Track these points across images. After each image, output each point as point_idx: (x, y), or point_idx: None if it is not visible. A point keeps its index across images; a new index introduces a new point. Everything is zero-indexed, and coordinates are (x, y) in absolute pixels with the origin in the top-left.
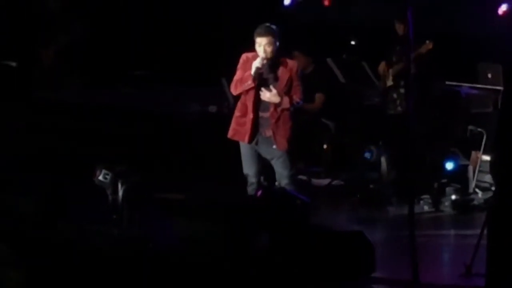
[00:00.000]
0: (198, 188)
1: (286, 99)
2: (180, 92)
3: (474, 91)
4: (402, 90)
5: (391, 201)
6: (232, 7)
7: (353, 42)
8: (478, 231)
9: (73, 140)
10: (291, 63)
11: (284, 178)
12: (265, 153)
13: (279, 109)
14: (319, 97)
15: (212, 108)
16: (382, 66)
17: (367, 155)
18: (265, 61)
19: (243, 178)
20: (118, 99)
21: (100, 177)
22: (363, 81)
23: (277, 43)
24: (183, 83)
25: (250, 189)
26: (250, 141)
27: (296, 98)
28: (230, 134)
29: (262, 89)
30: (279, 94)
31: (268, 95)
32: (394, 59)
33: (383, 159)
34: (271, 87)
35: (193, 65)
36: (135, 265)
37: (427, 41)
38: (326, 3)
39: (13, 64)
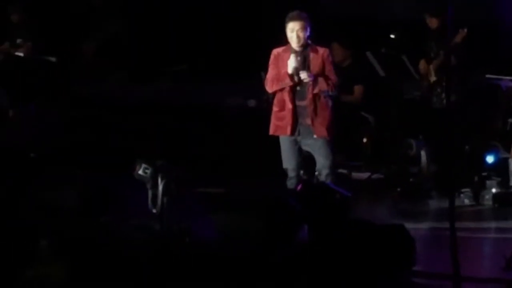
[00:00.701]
0: (238, 183)
1: (321, 79)
2: (219, 86)
3: None
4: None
5: (431, 194)
6: (271, 0)
7: (392, 36)
8: None
9: (113, 134)
10: (322, 49)
11: (325, 168)
12: (306, 143)
13: (316, 96)
14: (358, 88)
15: (251, 102)
16: (422, 64)
17: (407, 148)
18: (298, 58)
19: (283, 173)
20: (158, 94)
21: (140, 172)
22: (402, 75)
23: (309, 29)
24: (222, 77)
25: (289, 183)
26: (292, 133)
27: (332, 81)
28: (271, 131)
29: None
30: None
31: (303, 75)
32: (432, 54)
33: (423, 153)
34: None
35: (232, 59)
36: (175, 259)
37: (460, 29)
38: None
39: (53, 59)
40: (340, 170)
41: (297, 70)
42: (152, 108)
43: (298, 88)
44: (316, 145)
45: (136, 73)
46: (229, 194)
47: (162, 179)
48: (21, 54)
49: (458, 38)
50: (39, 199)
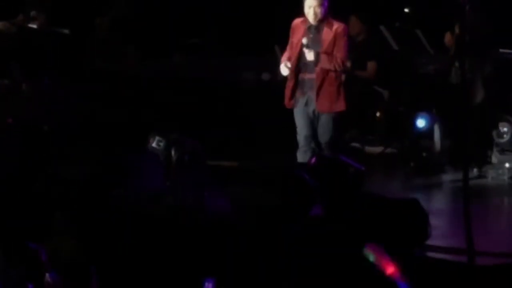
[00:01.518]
0: (253, 156)
1: (324, 57)
2: (233, 60)
3: None
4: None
5: (445, 169)
6: None
7: (406, 10)
8: None
9: (127, 108)
10: (337, 24)
11: (323, 142)
12: (312, 115)
13: (323, 71)
14: (371, 64)
15: (266, 76)
16: (447, 37)
17: (420, 122)
18: (311, 35)
19: (297, 146)
20: (171, 68)
21: (154, 144)
22: (417, 49)
23: (326, 5)
24: (236, 51)
25: (299, 153)
26: (289, 105)
27: (339, 57)
28: (285, 100)
29: (305, 50)
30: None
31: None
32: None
33: (436, 127)
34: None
35: (246, 33)
36: (190, 232)
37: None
38: None
39: (67, 31)
40: (354, 144)
41: (306, 46)
42: (165, 82)
43: (306, 61)
44: (320, 119)
45: (150, 47)
46: (243, 168)
47: (175, 152)
48: (35, 26)
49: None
50: (52, 172)
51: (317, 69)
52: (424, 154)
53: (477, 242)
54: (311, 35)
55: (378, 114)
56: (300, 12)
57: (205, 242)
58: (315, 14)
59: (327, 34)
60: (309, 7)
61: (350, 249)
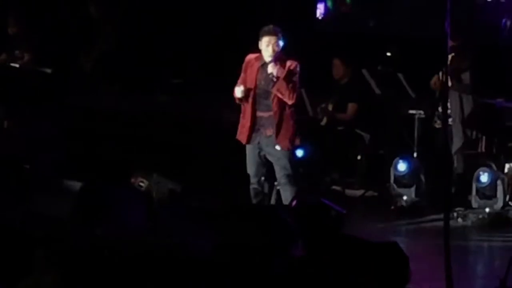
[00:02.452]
0: (234, 196)
1: (283, 81)
2: (215, 99)
3: (510, 104)
4: (449, 105)
5: (426, 212)
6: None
7: (388, 54)
8: None
9: (110, 146)
10: (290, 62)
11: (282, 178)
12: (267, 153)
13: (281, 108)
14: (351, 106)
15: None
16: (434, 80)
17: (400, 166)
18: (275, 63)
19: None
20: (154, 106)
21: (136, 184)
22: (398, 93)
23: (281, 43)
24: (217, 89)
25: (251, 189)
26: (247, 142)
27: (292, 88)
28: (237, 135)
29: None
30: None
31: (270, 67)
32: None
33: (417, 170)
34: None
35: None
36: (170, 272)
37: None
38: (343, 9)
39: (49, 70)
40: (334, 187)
41: (264, 81)
42: (148, 119)
43: (261, 99)
44: (276, 156)
45: (132, 85)
46: (224, 207)
47: (157, 193)
48: (17, 65)
49: (461, 64)
50: (33, 209)
51: (274, 105)
52: (404, 197)
53: (457, 286)
54: (264, 74)
55: (359, 157)
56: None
57: (187, 281)
58: (273, 51)
59: (281, 72)
60: (267, 45)
61: None
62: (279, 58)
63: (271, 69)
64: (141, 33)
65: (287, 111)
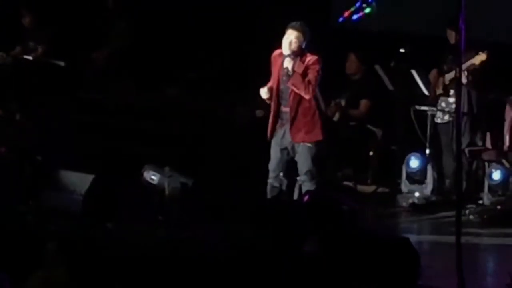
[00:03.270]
0: (246, 192)
1: (298, 75)
2: (228, 94)
3: None
4: (451, 100)
5: (438, 209)
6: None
7: (402, 50)
8: None
9: (122, 140)
10: (310, 57)
11: (302, 174)
12: (290, 148)
13: (297, 101)
14: (364, 103)
15: (259, 113)
16: (433, 74)
17: (413, 162)
18: (292, 56)
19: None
20: (166, 100)
21: (147, 178)
22: (411, 89)
23: (305, 43)
24: (231, 86)
25: (268, 184)
26: (271, 137)
27: (310, 84)
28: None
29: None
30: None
31: (286, 62)
32: (445, 67)
33: (429, 167)
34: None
35: (241, 69)
36: (181, 266)
37: (480, 52)
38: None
39: (62, 63)
40: (346, 183)
41: (285, 76)
42: (161, 114)
43: (283, 94)
44: (297, 151)
45: (146, 79)
46: (237, 203)
47: (169, 187)
48: (30, 58)
49: (476, 60)
50: (46, 202)
51: (290, 101)
52: (416, 194)
53: (468, 283)
54: (285, 70)
55: (371, 153)
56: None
57: (198, 276)
58: (290, 45)
59: (299, 67)
60: (287, 38)
61: (342, 286)
62: (298, 54)
63: (286, 63)
64: (155, 27)
65: (304, 105)
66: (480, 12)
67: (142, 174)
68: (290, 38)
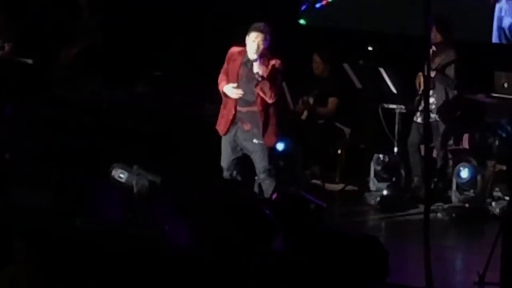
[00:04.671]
0: (214, 188)
1: (266, 81)
2: (196, 90)
3: (490, 100)
4: (430, 100)
5: (406, 206)
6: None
7: (370, 48)
8: (492, 239)
9: (90, 138)
10: (273, 60)
11: (261, 172)
12: (244, 147)
13: (266, 104)
14: (332, 101)
15: None
16: (418, 78)
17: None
18: (259, 60)
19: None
20: (135, 98)
21: (115, 176)
22: (379, 87)
23: (268, 43)
24: (199, 82)
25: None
26: (225, 133)
27: (272, 88)
28: (216, 124)
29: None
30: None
31: (255, 66)
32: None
33: (398, 164)
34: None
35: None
36: (150, 263)
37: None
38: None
39: (30, 61)
40: (314, 181)
41: (245, 77)
42: (129, 111)
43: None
44: (253, 150)
45: (114, 77)
46: (205, 200)
47: (137, 185)
48: None
49: (446, 59)
50: (14, 199)
51: (259, 106)
52: (385, 192)
53: (436, 281)
54: (246, 70)
55: (339, 151)
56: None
57: (167, 273)
58: (258, 47)
59: (263, 69)
60: (253, 41)
61: (309, 284)
62: (263, 56)
63: (257, 68)
64: (123, 24)
65: (271, 109)
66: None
67: (110, 173)
68: (257, 41)
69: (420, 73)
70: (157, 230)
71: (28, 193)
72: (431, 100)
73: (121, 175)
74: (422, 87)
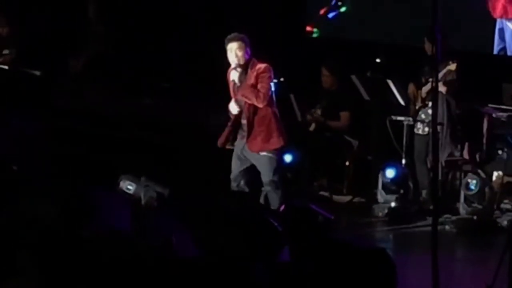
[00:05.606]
0: (221, 200)
1: (247, 85)
2: (204, 103)
3: (498, 112)
4: (430, 111)
5: (414, 219)
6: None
7: (378, 60)
8: (500, 252)
9: (98, 149)
10: (259, 65)
11: (266, 184)
12: (251, 159)
13: (252, 112)
14: (344, 115)
15: None
16: (411, 88)
17: (389, 172)
18: (239, 69)
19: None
20: (142, 109)
21: (123, 187)
22: (387, 99)
23: (248, 50)
24: (204, 94)
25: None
26: (222, 145)
27: (261, 91)
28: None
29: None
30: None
31: (232, 74)
32: (423, 79)
33: (406, 177)
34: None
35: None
36: (156, 275)
37: (450, 62)
38: (309, 28)
39: (38, 73)
40: (322, 193)
41: (234, 82)
42: (137, 123)
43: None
44: (260, 161)
45: (121, 88)
46: (212, 211)
47: (145, 196)
48: (5, 67)
49: (452, 67)
50: (20, 211)
51: (245, 111)
52: (393, 204)
53: None
54: (235, 77)
55: (347, 163)
56: (273, 63)
57: (171, 284)
58: (236, 56)
59: (250, 77)
60: (231, 51)
61: None
62: (247, 63)
63: (233, 76)
64: (131, 36)
65: (260, 115)
66: (454, 22)
67: (118, 184)
68: (233, 51)
69: (412, 83)
70: (164, 241)
71: (35, 204)
72: (430, 111)
73: (129, 187)
74: (418, 98)
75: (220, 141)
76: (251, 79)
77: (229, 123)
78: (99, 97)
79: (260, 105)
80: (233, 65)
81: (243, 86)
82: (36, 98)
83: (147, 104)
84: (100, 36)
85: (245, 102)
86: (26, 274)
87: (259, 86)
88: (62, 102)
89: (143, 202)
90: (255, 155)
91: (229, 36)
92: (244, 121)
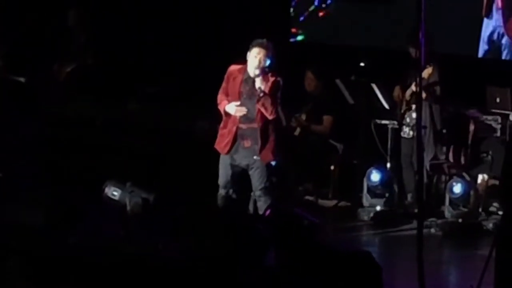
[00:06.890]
0: (207, 205)
1: (267, 97)
2: (188, 108)
3: (482, 115)
4: (414, 115)
5: (399, 222)
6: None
7: (362, 64)
8: (485, 254)
9: (83, 155)
10: (272, 78)
11: (258, 189)
12: (243, 164)
13: (266, 121)
14: (327, 119)
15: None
16: (397, 91)
17: (374, 176)
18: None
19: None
20: (127, 115)
21: (109, 194)
22: (372, 103)
23: (270, 59)
24: (191, 99)
25: (218, 199)
26: (226, 152)
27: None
28: (215, 144)
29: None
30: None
31: (257, 82)
32: (408, 83)
33: (390, 180)
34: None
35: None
36: (143, 281)
37: (428, 66)
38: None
39: (22, 79)
40: (307, 197)
41: (246, 94)
42: (122, 129)
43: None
44: (254, 167)
45: (106, 94)
46: (198, 216)
47: (130, 202)
48: None
49: (424, 74)
50: (7, 218)
51: (259, 122)
52: (378, 208)
53: None
54: (247, 87)
55: (332, 167)
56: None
57: None
58: (259, 63)
59: (265, 88)
60: (255, 56)
61: None
62: (265, 72)
63: (259, 83)
64: (116, 42)
65: (270, 125)
66: (437, 25)
67: (103, 190)
68: (259, 57)
69: (398, 87)
70: (151, 247)
71: (21, 211)
72: (414, 115)
73: (114, 193)
74: (403, 101)
75: (224, 150)
76: (266, 89)
77: (226, 129)
78: (83, 103)
79: (271, 117)
80: (252, 70)
81: (265, 96)
82: (21, 105)
83: (132, 109)
84: (82, 44)
85: (259, 111)
86: (15, 281)
87: (273, 98)
88: (47, 108)
89: (128, 208)
90: (250, 160)
91: (259, 40)
92: (242, 126)
